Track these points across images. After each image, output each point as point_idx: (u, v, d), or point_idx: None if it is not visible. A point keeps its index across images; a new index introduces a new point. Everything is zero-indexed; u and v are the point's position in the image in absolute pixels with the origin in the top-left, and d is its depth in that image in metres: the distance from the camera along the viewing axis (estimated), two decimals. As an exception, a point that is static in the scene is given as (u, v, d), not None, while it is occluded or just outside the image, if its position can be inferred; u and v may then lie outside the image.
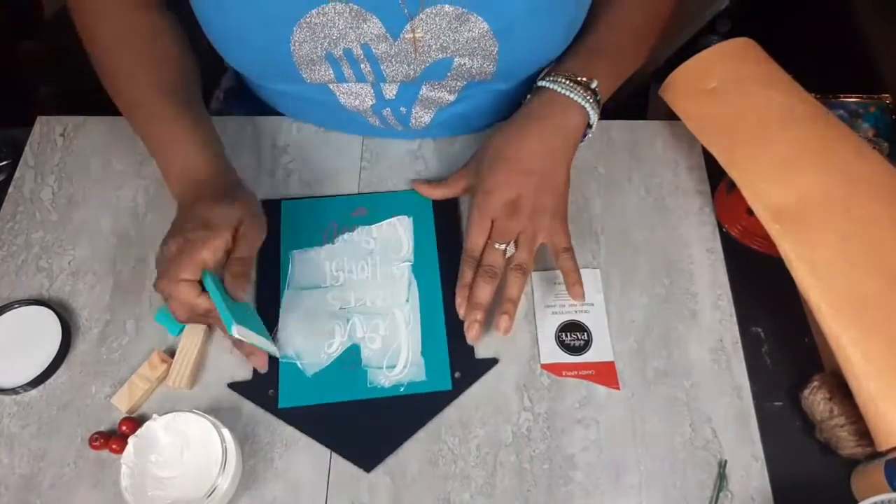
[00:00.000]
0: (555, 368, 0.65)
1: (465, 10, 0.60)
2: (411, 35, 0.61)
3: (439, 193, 0.73)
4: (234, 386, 0.64)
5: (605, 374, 0.65)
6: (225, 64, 0.95)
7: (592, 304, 0.68)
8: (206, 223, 0.58)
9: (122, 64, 0.66)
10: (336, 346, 0.66)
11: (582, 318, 0.67)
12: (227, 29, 0.63)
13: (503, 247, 0.65)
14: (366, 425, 0.62)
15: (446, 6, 0.60)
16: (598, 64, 0.68)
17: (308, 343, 0.66)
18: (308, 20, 0.60)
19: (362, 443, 0.61)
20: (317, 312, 0.67)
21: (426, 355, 0.65)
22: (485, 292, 0.64)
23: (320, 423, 0.62)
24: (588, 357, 0.65)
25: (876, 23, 0.92)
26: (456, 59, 0.64)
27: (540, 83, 0.68)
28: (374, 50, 0.63)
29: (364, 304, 0.68)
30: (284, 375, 0.64)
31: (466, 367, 0.65)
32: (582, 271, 0.66)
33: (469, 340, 0.64)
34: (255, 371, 0.64)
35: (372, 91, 0.70)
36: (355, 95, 0.70)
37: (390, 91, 0.69)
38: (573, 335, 0.66)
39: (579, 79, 0.66)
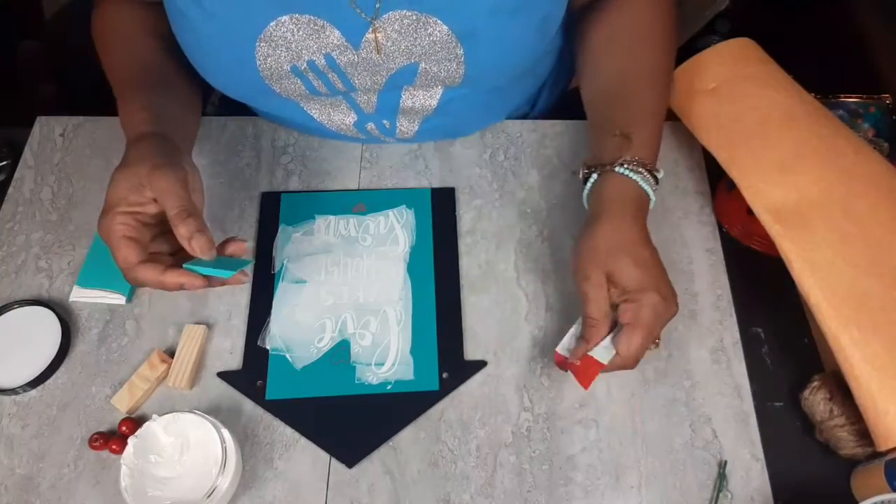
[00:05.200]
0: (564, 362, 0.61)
1: (423, 13, 0.59)
2: (373, 43, 0.61)
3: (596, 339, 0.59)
4: (223, 375, 0.64)
5: (587, 371, 0.60)
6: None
7: None
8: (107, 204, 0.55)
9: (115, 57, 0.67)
10: (326, 341, 0.66)
11: None
12: (198, 50, 0.63)
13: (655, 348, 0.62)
14: (351, 421, 0.63)
15: (404, 10, 0.59)
16: (655, 144, 0.64)
17: (298, 336, 0.66)
18: (268, 34, 0.60)
19: (346, 438, 0.62)
20: (309, 306, 0.67)
21: (415, 354, 0.65)
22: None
23: (306, 417, 0.63)
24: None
25: (876, 23, 0.92)
26: (421, 65, 0.63)
27: (619, 171, 0.61)
28: (337, 60, 0.62)
29: (357, 301, 0.68)
30: (273, 367, 0.65)
31: (455, 368, 0.65)
32: None
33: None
34: (244, 361, 0.65)
35: (349, 107, 0.69)
36: (332, 114, 0.70)
37: (369, 105, 0.69)
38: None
39: (649, 167, 0.61)
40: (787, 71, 0.72)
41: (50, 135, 0.78)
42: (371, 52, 0.61)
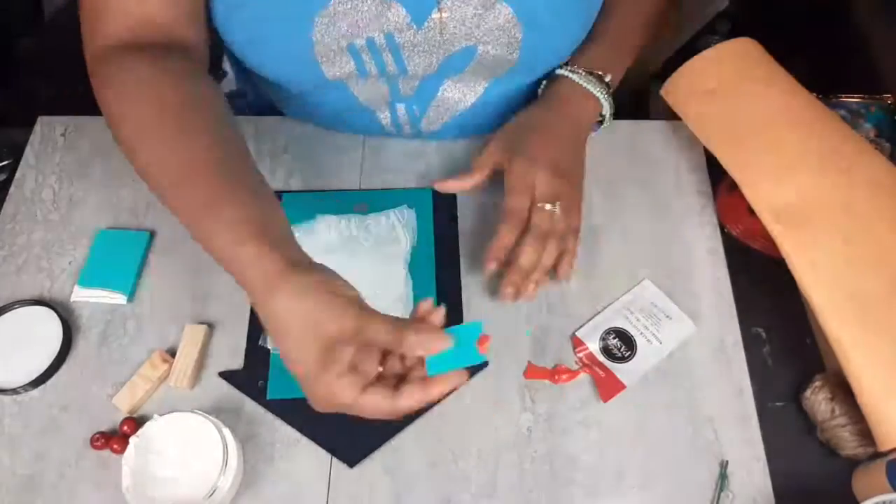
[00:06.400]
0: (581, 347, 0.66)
1: None
2: (438, 22, 0.61)
3: (469, 182, 0.68)
4: (224, 375, 0.64)
5: (609, 384, 0.64)
6: (222, 70, 0.95)
7: (660, 343, 0.66)
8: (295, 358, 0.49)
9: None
10: None
11: (635, 332, 0.66)
12: (247, 26, 0.61)
13: (551, 207, 0.63)
14: (352, 421, 0.62)
15: None
16: (612, 57, 0.70)
17: None
18: (332, 8, 0.59)
19: (347, 438, 0.62)
20: None
21: None
22: (533, 257, 0.62)
23: (307, 416, 0.61)
24: (616, 368, 0.65)
25: (876, 23, 0.92)
26: (480, 48, 0.63)
27: (559, 72, 0.69)
28: (396, 39, 0.62)
29: None
30: (275, 367, 0.65)
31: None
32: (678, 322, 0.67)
33: (508, 299, 0.62)
34: (245, 361, 0.65)
35: (388, 87, 0.69)
36: (371, 89, 0.69)
37: (409, 87, 0.69)
38: (618, 342, 0.66)
39: (596, 72, 0.68)
40: (787, 70, 0.72)
41: (51, 135, 0.78)
42: (434, 31, 0.61)
